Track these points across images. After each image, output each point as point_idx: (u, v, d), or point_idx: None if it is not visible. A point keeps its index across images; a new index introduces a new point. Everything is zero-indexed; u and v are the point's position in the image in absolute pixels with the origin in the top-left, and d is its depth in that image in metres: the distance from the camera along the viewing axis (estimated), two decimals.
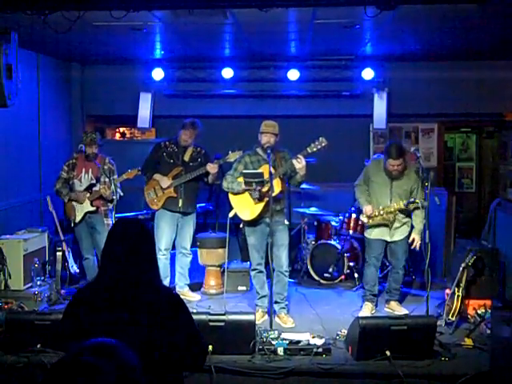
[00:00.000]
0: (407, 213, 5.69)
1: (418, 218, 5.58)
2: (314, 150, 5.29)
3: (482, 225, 7.06)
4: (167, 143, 6.20)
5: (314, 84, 7.90)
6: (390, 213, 5.59)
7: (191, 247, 6.34)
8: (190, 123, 6.09)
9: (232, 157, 5.85)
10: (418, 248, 5.63)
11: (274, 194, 5.17)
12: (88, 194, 6.11)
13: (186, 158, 6.12)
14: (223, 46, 7.04)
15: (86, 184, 6.14)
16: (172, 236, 6.17)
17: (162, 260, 5.94)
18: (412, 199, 5.54)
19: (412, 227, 5.71)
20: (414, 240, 5.60)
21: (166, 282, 5.94)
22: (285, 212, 5.69)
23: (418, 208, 5.51)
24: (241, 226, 5.81)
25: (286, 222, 5.65)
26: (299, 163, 5.23)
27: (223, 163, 5.99)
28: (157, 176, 6.11)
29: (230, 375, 4.33)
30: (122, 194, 6.09)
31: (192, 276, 6.44)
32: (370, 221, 5.65)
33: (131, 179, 6.01)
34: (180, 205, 6.07)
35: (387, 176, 5.65)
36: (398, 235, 5.70)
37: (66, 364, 1.41)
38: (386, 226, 5.68)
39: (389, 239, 5.72)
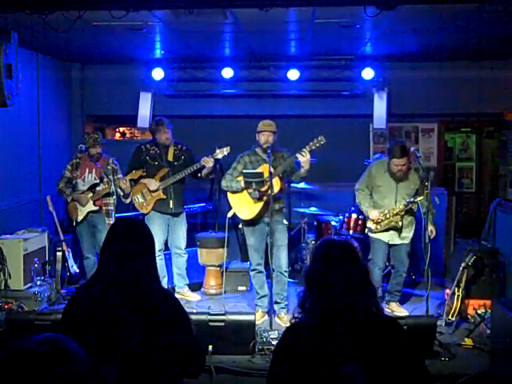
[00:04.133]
0: (412, 212, 5.66)
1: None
2: (313, 147, 5.30)
3: (482, 225, 7.05)
4: (148, 146, 6.19)
5: (314, 84, 7.88)
6: (397, 215, 5.57)
7: (188, 247, 6.33)
8: (162, 121, 6.09)
9: (220, 153, 5.83)
10: (433, 236, 5.53)
11: (273, 194, 5.18)
12: (91, 194, 6.11)
13: (170, 157, 6.12)
14: (223, 46, 7.03)
15: (89, 184, 6.15)
16: (163, 237, 6.15)
17: (157, 261, 5.92)
18: (412, 199, 5.52)
19: (416, 229, 5.69)
20: (431, 231, 5.49)
21: (164, 282, 5.94)
22: (284, 211, 5.69)
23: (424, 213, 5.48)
24: (240, 226, 5.81)
25: (285, 222, 5.65)
26: (304, 156, 5.23)
27: (215, 159, 5.90)
28: (143, 179, 6.09)
29: (230, 375, 4.34)
30: (121, 194, 6.09)
31: (192, 276, 6.44)
32: (378, 226, 5.61)
33: (135, 180, 6.04)
34: (171, 206, 6.07)
35: (392, 178, 5.61)
36: (405, 235, 5.65)
37: (14, 354, 1.38)
38: (393, 229, 5.63)
39: (395, 242, 5.68)
